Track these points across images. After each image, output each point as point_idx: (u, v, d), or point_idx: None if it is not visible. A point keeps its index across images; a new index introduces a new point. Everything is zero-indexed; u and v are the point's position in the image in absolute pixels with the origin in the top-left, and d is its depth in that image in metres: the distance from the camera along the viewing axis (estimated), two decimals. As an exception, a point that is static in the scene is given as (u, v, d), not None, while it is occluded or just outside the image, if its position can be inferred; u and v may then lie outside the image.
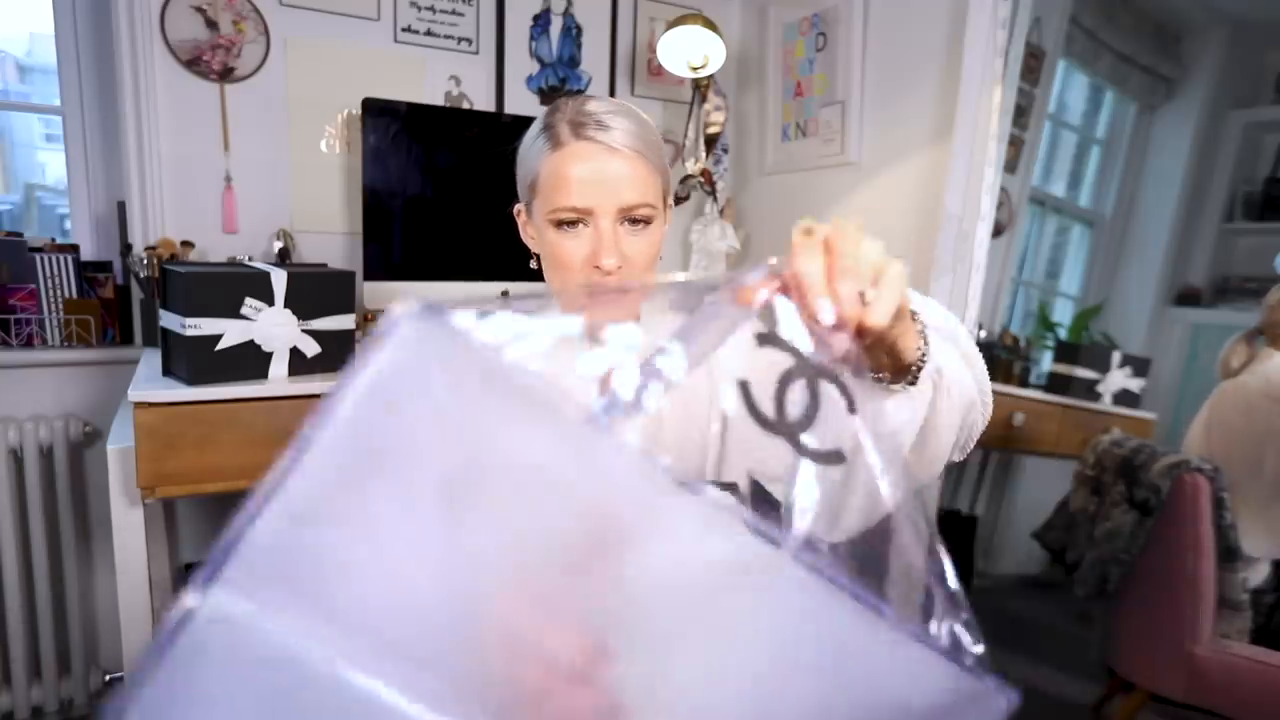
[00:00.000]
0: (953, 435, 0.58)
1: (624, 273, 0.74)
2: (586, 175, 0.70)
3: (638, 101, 1.80)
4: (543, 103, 1.98)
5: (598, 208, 0.71)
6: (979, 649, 0.30)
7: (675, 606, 0.29)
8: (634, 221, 0.73)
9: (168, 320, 1.17)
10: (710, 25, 1.83)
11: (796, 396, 0.34)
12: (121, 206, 1.55)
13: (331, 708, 0.27)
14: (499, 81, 1.91)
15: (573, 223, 0.72)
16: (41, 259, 1.52)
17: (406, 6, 1.76)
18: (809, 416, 0.34)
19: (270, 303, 1.18)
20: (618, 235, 0.72)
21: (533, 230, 0.79)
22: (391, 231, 1.63)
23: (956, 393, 0.56)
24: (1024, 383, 2.46)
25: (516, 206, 0.81)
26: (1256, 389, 1.66)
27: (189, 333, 1.11)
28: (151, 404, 1.11)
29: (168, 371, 1.20)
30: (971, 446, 0.65)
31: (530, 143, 0.75)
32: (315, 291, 1.23)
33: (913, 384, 0.53)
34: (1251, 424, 1.65)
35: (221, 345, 1.14)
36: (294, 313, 1.20)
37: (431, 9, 1.79)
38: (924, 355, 0.51)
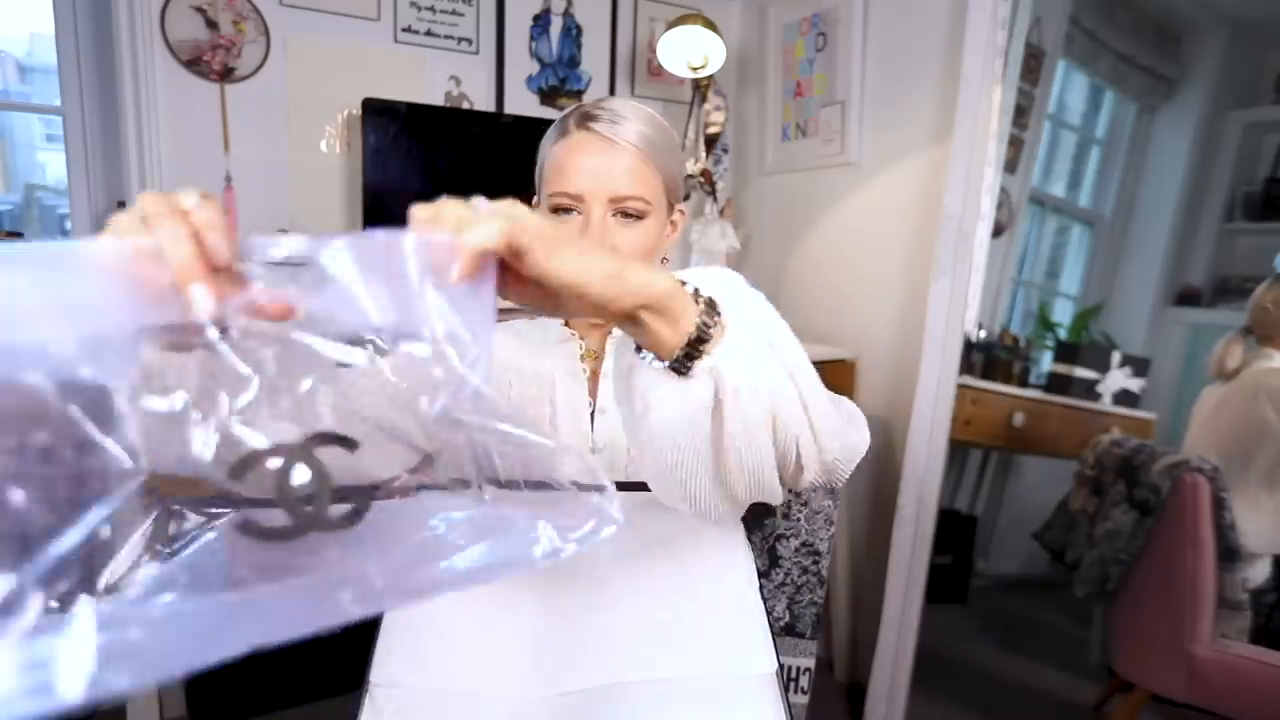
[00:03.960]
0: (753, 450, 0.51)
1: None
2: (582, 163, 0.72)
3: (637, 102, 1.80)
4: (542, 103, 1.98)
5: (589, 194, 0.72)
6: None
7: None
8: (626, 215, 0.74)
9: (168, 320, 1.17)
10: (710, 25, 1.83)
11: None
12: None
13: None
14: (499, 81, 1.91)
15: (567, 209, 0.74)
16: (41, 259, 1.52)
17: (406, 6, 1.76)
18: None
19: (270, 303, 1.18)
20: (607, 224, 0.73)
21: None
22: (391, 231, 1.63)
23: (752, 403, 0.50)
24: (1024, 383, 2.46)
25: (535, 198, 0.82)
26: (1250, 386, 1.67)
27: (189, 333, 1.11)
28: (151, 404, 1.11)
29: (168, 371, 1.20)
30: (806, 477, 0.56)
31: (546, 135, 0.78)
32: (315, 291, 1.23)
33: (681, 372, 0.49)
34: (1249, 420, 1.65)
35: (221, 345, 1.14)
36: (294, 313, 1.20)
37: (431, 9, 1.79)
38: (697, 342, 0.48)
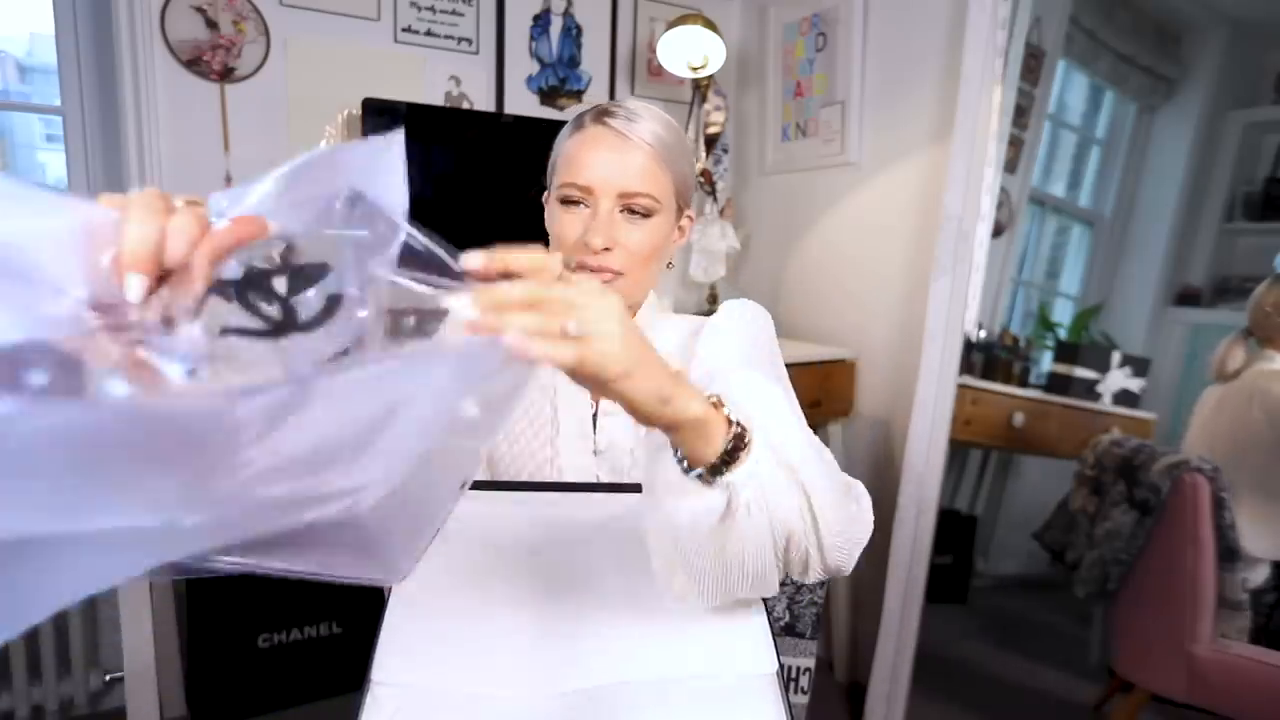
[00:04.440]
0: (759, 560, 0.56)
1: (614, 258, 0.75)
2: (594, 157, 0.73)
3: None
4: (543, 103, 1.98)
5: (598, 188, 0.73)
6: None
7: None
8: (633, 211, 0.74)
9: (168, 320, 1.17)
10: (710, 25, 1.83)
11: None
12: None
13: None
14: (499, 81, 1.91)
15: (575, 201, 0.74)
16: (41, 259, 1.51)
17: (406, 6, 1.76)
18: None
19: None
20: (614, 219, 0.74)
21: (549, 212, 0.81)
22: (391, 231, 1.63)
23: (761, 519, 0.54)
24: (1024, 383, 2.46)
25: (545, 193, 0.82)
26: (1247, 389, 1.67)
27: (189, 333, 1.11)
28: (151, 404, 1.11)
29: (168, 371, 1.20)
30: (811, 569, 0.60)
31: (563, 130, 0.79)
32: (315, 291, 1.23)
33: (706, 482, 0.53)
34: (1244, 423, 1.65)
35: (221, 345, 1.14)
36: (294, 313, 1.20)
37: (431, 9, 1.79)
38: (722, 463, 0.52)
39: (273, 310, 0.38)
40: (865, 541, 0.62)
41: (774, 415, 0.55)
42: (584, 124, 0.75)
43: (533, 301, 0.40)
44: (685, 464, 0.53)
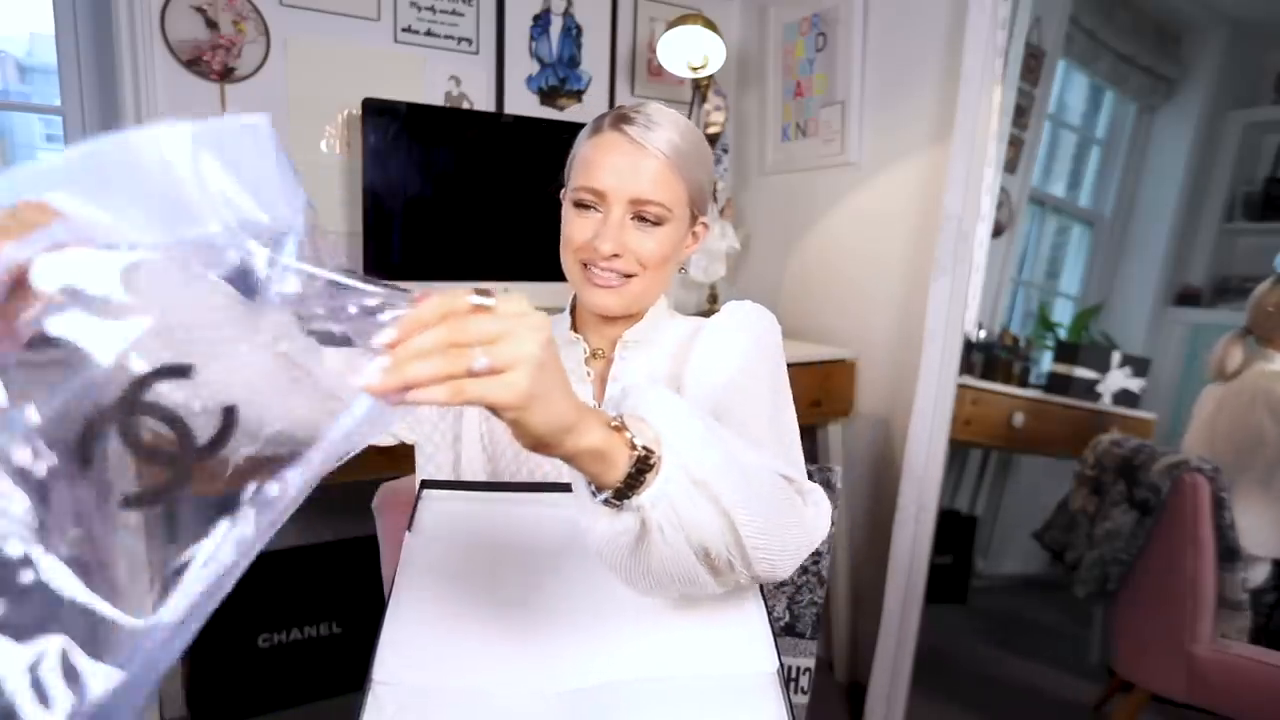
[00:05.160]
0: (681, 569, 0.56)
1: (622, 264, 0.75)
2: (609, 161, 0.74)
3: (638, 102, 1.80)
4: (543, 103, 1.98)
5: (611, 193, 0.74)
6: None
7: None
8: (644, 219, 0.75)
9: (168, 320, 1.17)
10: (710, 25, 1.83)
11: None
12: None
13: None
14: (499, 81, 1.91)
15: (588, 205, 0.76)
16: (41, 259, 1.51)
17: (406, 6, 1.76)
18: None
19: (270, 303, 1.18)
20: (624, 226, 0.75)
21: (564, 211, 0.82)
22: (391, 231, 1.63)
23: (676, 537, 0.54)
24: (1024, 383, 2.46)
25: (561, 191, 0.83)
26: (1249, 391, 1.67)
27: (189, 333, 1.11)
28: (151, 404, 1.11)
29: (168, 371, 1.20)
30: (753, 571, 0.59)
31: (583, 130, 0.80)
32: (315, 291, 1.23)
33: (614, 506, 0.53)
34: (1246, 425, 1.65)
35: (221, 345, 1.14)
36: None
37: (431, 9, 1.79)
38: (625, 488, 0.51)
39: (167, 439, 0.34)
40: (811, 548, 0.62)
41: (689, 432, 0.54)
42: (602, 128, 0.76)
43: (445, 344, 0.39)
44: (594, 488, 0.53)
